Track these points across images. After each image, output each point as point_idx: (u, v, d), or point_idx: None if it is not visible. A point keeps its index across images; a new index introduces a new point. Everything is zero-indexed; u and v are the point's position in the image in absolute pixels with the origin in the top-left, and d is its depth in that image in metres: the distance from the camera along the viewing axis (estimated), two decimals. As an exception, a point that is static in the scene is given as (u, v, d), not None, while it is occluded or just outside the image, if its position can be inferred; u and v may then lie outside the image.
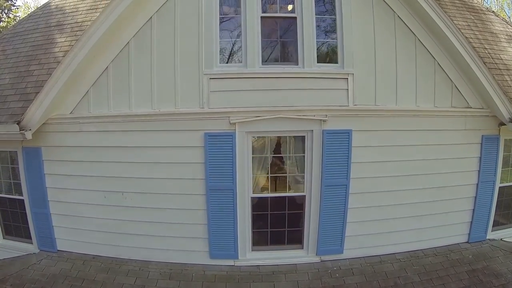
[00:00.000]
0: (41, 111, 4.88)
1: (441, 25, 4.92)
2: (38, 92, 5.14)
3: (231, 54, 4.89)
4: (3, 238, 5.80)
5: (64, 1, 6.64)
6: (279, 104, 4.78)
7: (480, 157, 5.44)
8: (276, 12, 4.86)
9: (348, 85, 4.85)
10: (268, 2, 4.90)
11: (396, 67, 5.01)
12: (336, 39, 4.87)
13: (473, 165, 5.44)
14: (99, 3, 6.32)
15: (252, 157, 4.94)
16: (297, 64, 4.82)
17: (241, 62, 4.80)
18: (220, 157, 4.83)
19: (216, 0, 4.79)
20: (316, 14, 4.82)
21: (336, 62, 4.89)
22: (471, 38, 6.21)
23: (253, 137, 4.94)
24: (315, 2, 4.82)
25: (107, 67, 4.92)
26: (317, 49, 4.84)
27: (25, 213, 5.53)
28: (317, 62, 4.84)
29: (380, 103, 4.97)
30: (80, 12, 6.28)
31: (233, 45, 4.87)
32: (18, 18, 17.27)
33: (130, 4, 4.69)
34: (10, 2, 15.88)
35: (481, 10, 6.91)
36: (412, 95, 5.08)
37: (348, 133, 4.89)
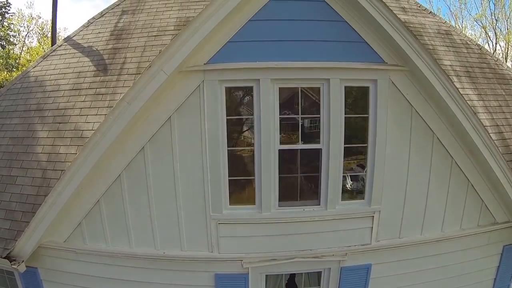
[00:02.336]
0: (31, 244, 4.06)
1: (484, 151, 3.94)
2: (25, 212, 4.29)
3: (243, 192, 3.90)
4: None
5: (43, 73, 5.24)
6: (296, 248, 3.98)
7: (499, 266, 4.84)
8: (297, 143, 3.74)
9: (373, 223, 4.01)
10: (286, 129, 3.77)
11: (427, 195, 4.15)
12: (366, 172, 3.87)
13: (490, 274, 4.86)
14: (82, 81, 4.98)
15: (266, 290, 4.28)
16: (319, 204, 3.90)
17: (254, 204, 3.84)
18: (232, 295, 4.15)
19: (222, 129, 3.68)
20: (344, 144, 3.76)
21: (362, 198, 3.98)
22: (503, 125, 5.18)
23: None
24: (344, 131, 3.72)
25: (98, 200, 3.96)
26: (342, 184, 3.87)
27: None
28: (341, 200, 3.91)
29: (405, 235, 4.19)
30: (62, 92, 4.96)
31: (246, 183, 3.84)
32: (12, 25, 14.81)
33: (118, 135, 3.58)
34: (4, 10, 13.44)
35: (510, 76, 5.69)
36: (439, 222, 4.29)
37: (367, 268, 4.19)
